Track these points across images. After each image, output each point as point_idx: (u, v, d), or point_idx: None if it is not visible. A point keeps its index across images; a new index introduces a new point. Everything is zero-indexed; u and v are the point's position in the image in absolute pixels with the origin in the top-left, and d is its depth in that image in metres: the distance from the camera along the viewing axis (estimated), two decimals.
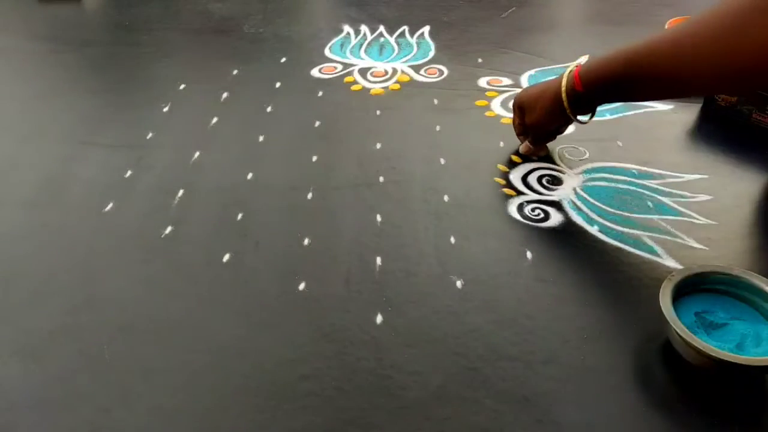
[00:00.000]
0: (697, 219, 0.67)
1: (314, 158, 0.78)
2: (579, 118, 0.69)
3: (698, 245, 0.64)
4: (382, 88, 0.92)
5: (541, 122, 0.71)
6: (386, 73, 0.96)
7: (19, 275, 0.63)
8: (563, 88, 0.66)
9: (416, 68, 0.97)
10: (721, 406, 0.50)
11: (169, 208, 0.71)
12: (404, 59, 0.99)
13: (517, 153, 0.78)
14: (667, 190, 0.71)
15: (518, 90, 0.90)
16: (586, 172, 0.75)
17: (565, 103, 0.66)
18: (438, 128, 0.83)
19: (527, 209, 0.69)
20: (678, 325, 0.50)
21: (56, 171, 0.77)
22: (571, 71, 0.65)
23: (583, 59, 0.96)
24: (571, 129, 0.81)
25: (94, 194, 0.73)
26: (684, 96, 0.79)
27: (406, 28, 1.08)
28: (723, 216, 0.67)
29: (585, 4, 1.23)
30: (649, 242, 0.64)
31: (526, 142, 0.77)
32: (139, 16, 1.15)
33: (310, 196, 0.72)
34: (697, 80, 0.54)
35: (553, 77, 0.70)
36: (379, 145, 0.80)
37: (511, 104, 0.87)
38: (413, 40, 1.04)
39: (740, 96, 0.79)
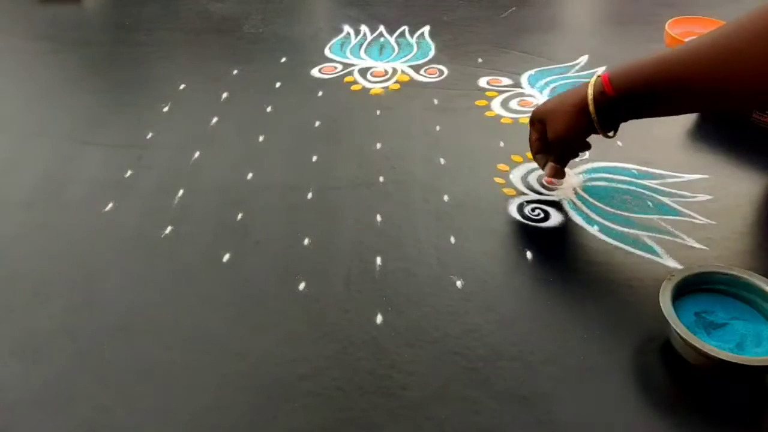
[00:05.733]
0: (697, 219, 0.67)
1: (314, 158, 0.78)
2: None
3: (698, 245, 0.64)
4: (382, 88, 0.92)
5: (563, 134, 0.64)
6: (386, 73, 0.95)
7: (19, 275, 0.63)
8: (590, 95, 0.60)
9: (416, 68, 0.96)
10: (721, 406, 0.50)
11: (169, 208, 0.71)
12: (404, 59, 0.99)
13: (542, 185, 0.72)
14: (667, 190, 0.71)
15: (518, 90, 0.90)
16: (586, 172, 0.75)
17: (592, 111, 0.61)
18: (438, 128, 0.83)
19: (527, 209, 0.69)
20: (678, 325, 0.50)
21: (56, 171, 0.77)
22: (598, 77, 0.61)
23: (583, 58, 0.96)
24: None
25: (94, 194, 0.73)
26: (720, 106, 0.76)
27: (406, 28, 1.08)
28: (723, 216, 0.67)
29: (585, 4, 1.23)
30: (649, 242, 0.64)
31: (551, 164, 0.69)
32: (139, 16, 1.15)
33: (310, 196, 0.72)
34: (741, 83, 0.53)
35: (571, 87, 0.66)
36: (379, 145, 0.80)
37: (511, 104, 0.88)
38: (413, 40, 1.04)
39: None
